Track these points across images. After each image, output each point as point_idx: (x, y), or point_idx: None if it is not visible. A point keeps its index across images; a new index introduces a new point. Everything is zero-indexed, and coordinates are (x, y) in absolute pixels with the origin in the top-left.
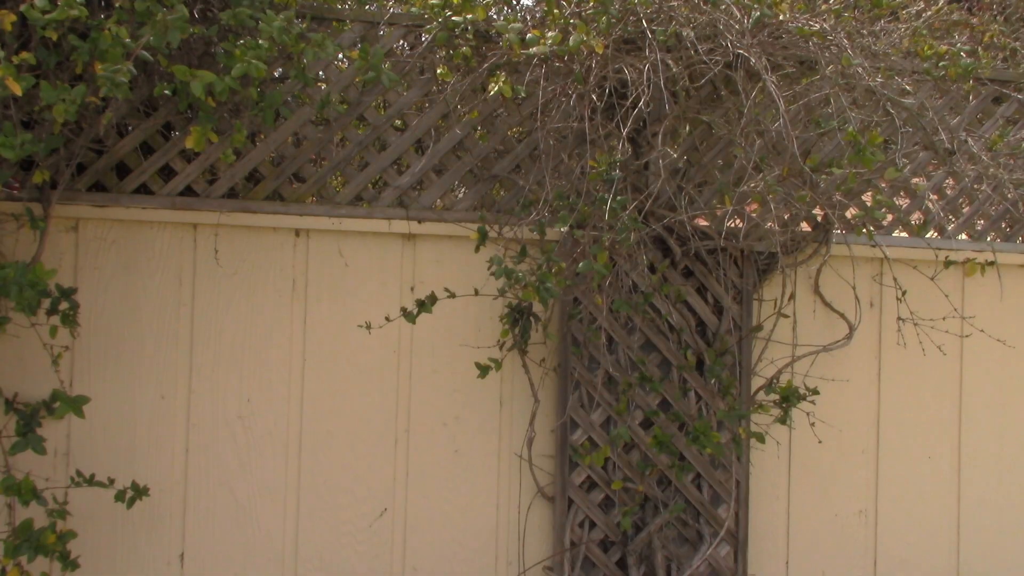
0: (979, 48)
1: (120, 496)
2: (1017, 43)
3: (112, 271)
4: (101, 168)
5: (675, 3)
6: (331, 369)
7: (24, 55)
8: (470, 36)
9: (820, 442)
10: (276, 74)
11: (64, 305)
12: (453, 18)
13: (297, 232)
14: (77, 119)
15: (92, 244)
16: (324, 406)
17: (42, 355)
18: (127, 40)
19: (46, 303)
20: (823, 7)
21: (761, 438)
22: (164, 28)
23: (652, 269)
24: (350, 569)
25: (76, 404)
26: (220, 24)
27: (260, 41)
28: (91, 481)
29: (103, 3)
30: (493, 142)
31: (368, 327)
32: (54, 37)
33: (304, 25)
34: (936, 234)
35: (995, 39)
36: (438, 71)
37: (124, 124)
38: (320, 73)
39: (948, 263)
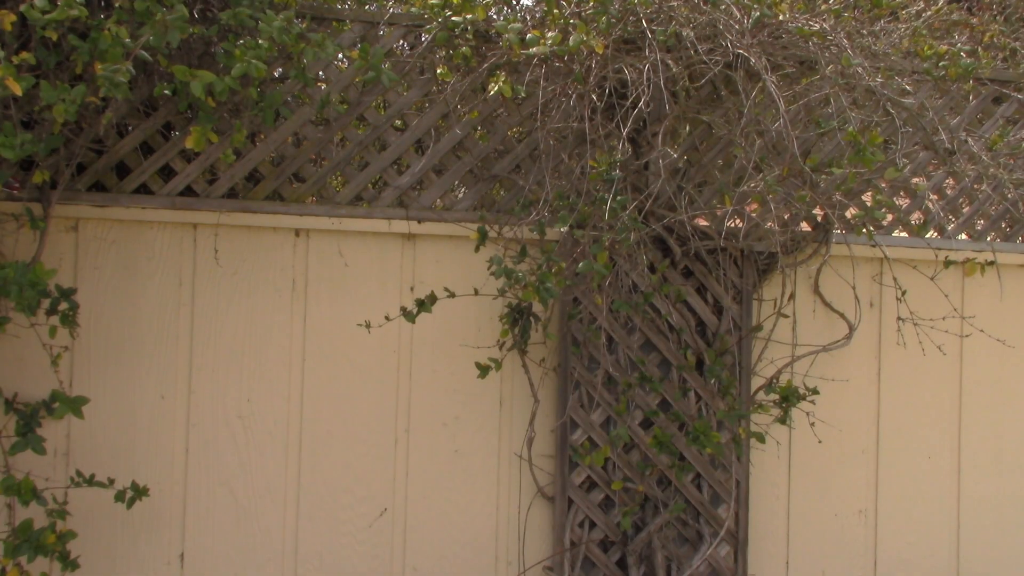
0: (979, 48)
1: (120, 496)
2: (1017, 43)
3: (112, 271)
4: (101, 168)
5: (675, 3)
6: (331, 369)
7: (24, 55)
8: (470, 36)
9: (820, 442)
10: (276, 74)
11: (64, 305)
12: (453, 18)
13: (297, 232)
14: (77, 119)
15: (92, 244)
16: (324, 406)
17: (42, 355)
18: (127, 40)
19: (46, 303)
20: (823, 7)
21: (761, 438)
22: (164, 28)
23: (652, 269)
24: (350, 569)
25: (75, 404)
26: (220, 24)
27: (260, 41)
28: (91, 481)
29: (103, 3)
30: (493, 142)
31: (368, 326)
32: (54, 37)
33: (304, 25)
34: (936, 234)
35: (995, 39)
36: (438, 71)
37: (124, 124)
38: (320, 73)
39: (948, 263)
